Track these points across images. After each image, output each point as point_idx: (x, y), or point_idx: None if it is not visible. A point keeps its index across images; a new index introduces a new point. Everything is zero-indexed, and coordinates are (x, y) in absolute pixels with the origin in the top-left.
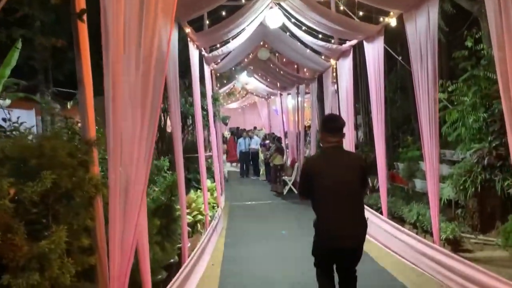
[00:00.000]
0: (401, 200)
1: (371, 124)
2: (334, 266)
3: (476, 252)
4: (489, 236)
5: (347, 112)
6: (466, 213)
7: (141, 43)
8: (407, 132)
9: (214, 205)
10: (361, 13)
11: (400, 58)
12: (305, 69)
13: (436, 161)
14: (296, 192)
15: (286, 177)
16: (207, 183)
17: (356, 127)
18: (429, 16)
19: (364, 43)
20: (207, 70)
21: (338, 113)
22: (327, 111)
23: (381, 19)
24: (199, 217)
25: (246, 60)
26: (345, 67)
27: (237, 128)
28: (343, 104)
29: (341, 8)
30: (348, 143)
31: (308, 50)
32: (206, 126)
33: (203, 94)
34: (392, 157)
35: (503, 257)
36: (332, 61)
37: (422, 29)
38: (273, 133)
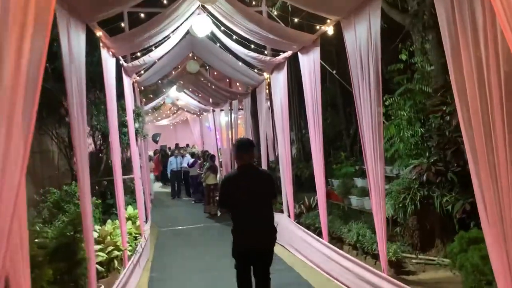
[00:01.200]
0: (338, 219)
1: (304, 140)
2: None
3: (419, 273)
4: (429, 255)
5: (282, 128)
6: (406, 231)
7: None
8: (339, 148)
9: (137, 235)
10: (296, 20)
11: (334, 71)
12: (237, 84)
13: (381, 178)
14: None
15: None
16: (128, 209)
17: (290, 143)
18: (370, 23)
19: (299, 55)
20: (127, 82)
21: (272, 129)
22: (261, 128)
23: (318, 27)
24: (116, 252)
25: (173, 73)
26: (280, 80)
27: (164, 146)
28: (278, 119)
29: (274, 13)
30: (284, 159)
31: (240, 63)
32: (127, 144)
33: (123, 109)
34: (326, 174)
35: (448, 279)
36: (266, 75)
37: (363, 36)
38: (207, 151)
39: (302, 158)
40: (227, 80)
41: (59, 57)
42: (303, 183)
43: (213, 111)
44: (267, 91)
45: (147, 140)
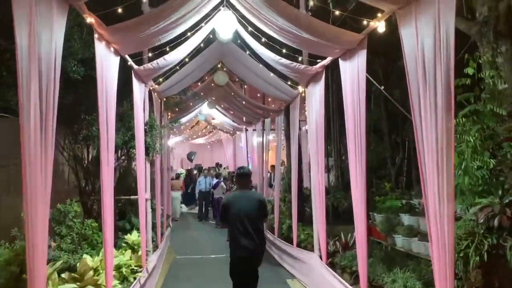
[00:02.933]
0: (380, 262)
1: (344, 167)
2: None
3: None
4: None
5: (316, 151)
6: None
7: None
8: (383, 178)
9: (137, 268)
10: (336, 13)
11: (382, 87)
12: (269, 99)
13: (449, 222)
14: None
15: None
16: (133, 235)
17: (328, 170)
18: (439, 13)
19: (340, 61)
20: (139, 88)
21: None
22: (292, 150)
23: (365, 22)
24: None
25: (200, 84)
26: (316, 95)
27: (199, 165)
28: (312, 141)
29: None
30: (317, 188)
31: (271, 74)
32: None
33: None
34: (368, 206)
35: None
36: (301, 88)
37: (428, 33)
38: (234, 172)
39: (340, 186)
40: (258, 95)
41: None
42: (340, 215)
43: (246, 130)
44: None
45: (171, 155)
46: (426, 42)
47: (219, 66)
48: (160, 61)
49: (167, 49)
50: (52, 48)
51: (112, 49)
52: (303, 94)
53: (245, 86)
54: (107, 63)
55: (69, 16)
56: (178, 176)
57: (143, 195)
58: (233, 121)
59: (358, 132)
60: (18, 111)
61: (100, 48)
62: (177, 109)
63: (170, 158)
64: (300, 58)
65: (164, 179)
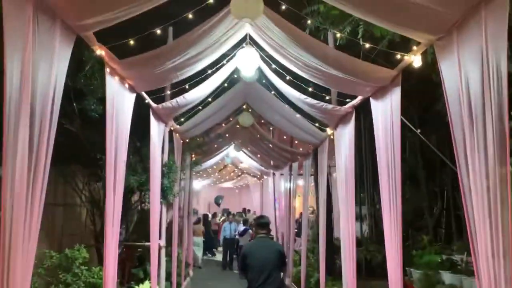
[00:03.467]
0: None
1: (378, 217)
2: None
3: None
4: None
5: (345, 199)
6: None
7: None
8: (420, 231)
9: None
10: (366, 46)
11: (418, 131)
12: (296, 141)
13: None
14: None
15: None
16: (144, 286)
17: (360, 219)
18: (486, 37)
19: (372, 101)
20: (157, 127)
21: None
22: (320, 196)
23: (398, 56)
24: None
25: (224, 125)
26: (345, 138)
27: (227, 210)
28: (341, 187)
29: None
30: (347, 240)
31: (297, 115)
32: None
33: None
34: (404, 261)
35: None
36: (329, 131)
37: (475, 59)
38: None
39: (374, 238)
40: (285, 137)
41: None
42: (374, 270)
43: (273, 174)
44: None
45: (195, 199)
46: (471, 77)
47: (244, 107)
48: (180, 99)
49: (187, 86)
50: (51, 82)
51: (127, 85)
52: (332, 137)
53: (272, 129)
54: (119, 100)
55: (88, 51)
56: (199, 221)
57: (156, 241)
58: (260, 165)
59: (393, 179)
60: None
61: (112, 84)
62: (200, 151)
63: (192, 202)
64: (327, 97)
65: (185, 224)
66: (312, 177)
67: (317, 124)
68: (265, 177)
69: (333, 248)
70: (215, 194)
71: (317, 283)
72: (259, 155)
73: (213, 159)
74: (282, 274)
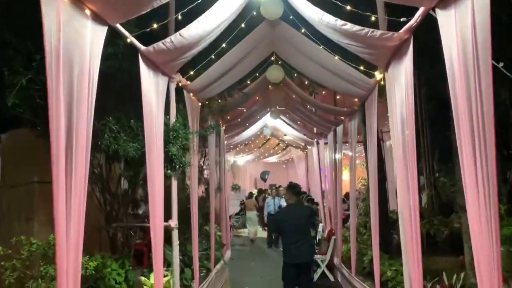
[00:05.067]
0: None
1: (440, 186)
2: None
3: None
4: None
5: (404, 162)
6: None
7: None
8: None
9: None
10: None
11: (500, 65)
12: (338, 97)
13: None
14: (332, 279)
15: (318, 255)
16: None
17: (419, 189)
18: None
19: (439, 13)
20: (151, 79)
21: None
22: (371, 163)
23: None
24: None
25: (249, 82)
26: (400, 79)
27: (273, 185)
28: (397, 149)
29: None
30: (408, 212)
31: (336, 57)
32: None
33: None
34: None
35: None
36: (378, 74)
37: None
38: (305, 192)
39: (437, 210)
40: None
41: None
42: (438, 246)
43: (317, 143)
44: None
45: (226, 172)
46: None
47: (272, 59)
48: (176, 38)
49: (179, 17)
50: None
51: (88, 11)
52: (382, 82)
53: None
54: (70, 31)
55: None
56: (251, 196)
57: (159, 222)
58: (303, 134)
59: (481, 134)
60: None
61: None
62: (228, 118)
63: (227, 176)
64: (373, 18)
65: (211, 200)
66: (360, 145)
67: (362, 67)
68: (308, 147)
69: (389, 222)
70: (260, 169)
71: (371, 262)
72: (299, 122)
73: (249, 130)
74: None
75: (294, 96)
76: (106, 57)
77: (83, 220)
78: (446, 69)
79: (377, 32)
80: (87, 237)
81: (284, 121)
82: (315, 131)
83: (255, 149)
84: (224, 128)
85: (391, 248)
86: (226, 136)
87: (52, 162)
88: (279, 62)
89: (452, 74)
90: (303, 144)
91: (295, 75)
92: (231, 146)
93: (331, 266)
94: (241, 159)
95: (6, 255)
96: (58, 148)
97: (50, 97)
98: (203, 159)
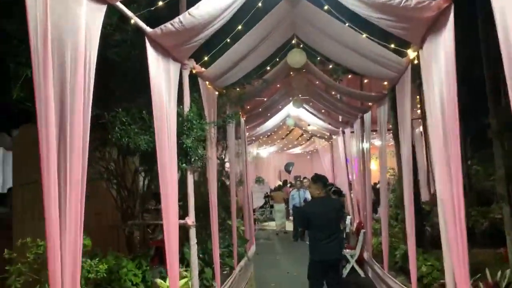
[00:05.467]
0: None
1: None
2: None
3: None
4: None
5: (445, 148)
6: None
7: None
8: None
9: None
10: None
11: None
12: (365, 80)
13: None
14: (362, 275)
15: (347, 250)
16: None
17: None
18: None
19: None
20: (160, 64)
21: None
22: (404, 152)
23: None
24: None
25: (268, 68)
26: (439, 55)
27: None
28: (437, 135)
29: None
30: (450, 202)
31: (363, 35)
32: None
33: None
34: None
35: None
36: (411, 52)
37: None
38: (332, 184)
39: (472, 200)
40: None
41: None
42: (476, 238)
43: (343, 132)
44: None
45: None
46: None
47: (293, 42)
48: (184, 18)
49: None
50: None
51: None
52: (416, 61)
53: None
54: (61, 8)
55: None
56: (279, 188)
57: (173, 220)
58: (329, 123)
59: None
60: None
61: None
62: (247, 107)
63: (249, 168)
64: None
65: (233, 194)
66: (389, 133)
67: (392, 46)
68: (333, 137)
69: (421, 214)
70: (284, 161)
71: (404, 256)
72: (323, 110)
73: (271, 120)
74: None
75: (317, 82)
76: (113, 45)
77: (81, 221)
78: (499, 37)
79: (412, 1)
80: (103, 236)
81: (307, 110)
82: (340, 120)
83: (278, 140)
84: (244, 119)
85: (424, 241)
86: (247, 127)
87: (41, 159)
88: (301, 46)
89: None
90: (328, 133)
91: (318, 59)
92: (253, 138)
93: (361, 261)
94: (264, 151)
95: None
96: (48, 143)
97: (37, 86)
98: (224, 151)
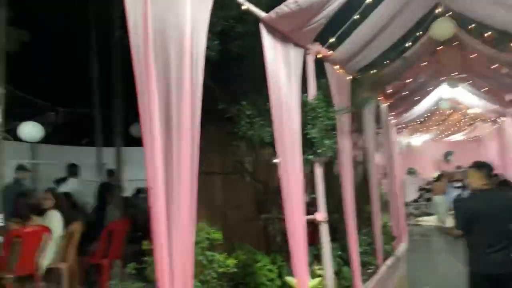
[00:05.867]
0: None
1: None
2: None
3: None
4: None
5: None
6: None
7: None
8: None
9: None
10: None
11: None
12: None
13: None
14: None
15: None
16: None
17: None
18: None
19: None
20: (277, 49)
21: None
22: None
23: None
24: None
25: (410, 44)
26: None
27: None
28: None
29: None
30: None
31: None
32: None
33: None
34: None
35: None
36: None
37: None
38: (496, 175)
39: None
40: None
41: None
42: None
43: None
44: None
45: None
46: None
47: (437, 11)
48: None
49: None
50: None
51: None
52: None
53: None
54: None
55: None
56: (439, 177)
57: (298, 216)
58: (492, 103)
59: None
60: None
61: None
62: (388, 91)
63: (398, 159)
64: None
65: (373, 186)
66: None
67: None
68: (500, 119)
69: None
70: (442, 150)
71: None
72: (487, 88)
73: (419, 105)
74: None
75: (474, 56)
76: (236, 37)
77: (192, 218)
78: None
79: None
80: (242, 229)
81: (465, 90)
82: (506, 99)
83: (434, 127)
84: (387, 104)
85: None
86: (391, 114)
87: (147, 163)
88: (447, 14)
89: None
90: (494, 116)
91: (471, 26)
92: (403, 126)
93: None
94: (417, 140)
95: None
96: (153, 149)
97: (139, 83)
98: (363, 141)
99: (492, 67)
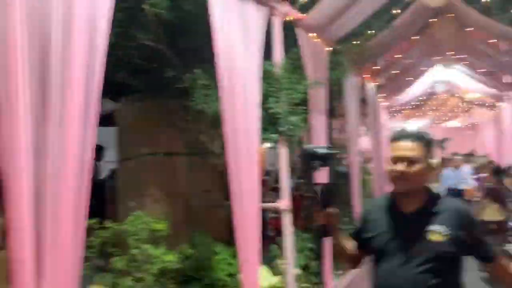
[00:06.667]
0: None
1: None
2: None
3: None
4: None
5: None
6: None
7: None
8: None
9: None
10: None
11: None
12: None
13: None
14: None
15: None
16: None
17: None
18: None
19: None
20: (234, 11)
21: None
22: None
23: None
24: None
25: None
26: None
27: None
28: None
29: None
30: None
31: None
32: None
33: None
34: None
35: None
36: None
37: None
38: (492, 162)
39: None
40: None
41: None
42: None
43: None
44: None
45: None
46: None
47: None
48: None
49: None
50: None
51: None
52: None
53: None
54: None
55: None
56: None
57: (247, 202)
58: (490, 86)
59: None
60: None
61: None
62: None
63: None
64: None
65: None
66: None
67: None
68: (498, 104)
69: None
70: (439, 135)
71: None
72: (483, 70)
73: (413, 87)
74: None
75: (470, 30)
76: None
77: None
78: None
79: None
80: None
81: (461, 72)
82: (503, 81)
83: (430, 112)
84: (376, 84)
85: None
86: (382, 96)
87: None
88: None
89: None
90: (491, 101)
91: None
92: (396, 109)
93: None
94: (413, 125)
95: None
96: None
97: None
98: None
99: (490, 41)
